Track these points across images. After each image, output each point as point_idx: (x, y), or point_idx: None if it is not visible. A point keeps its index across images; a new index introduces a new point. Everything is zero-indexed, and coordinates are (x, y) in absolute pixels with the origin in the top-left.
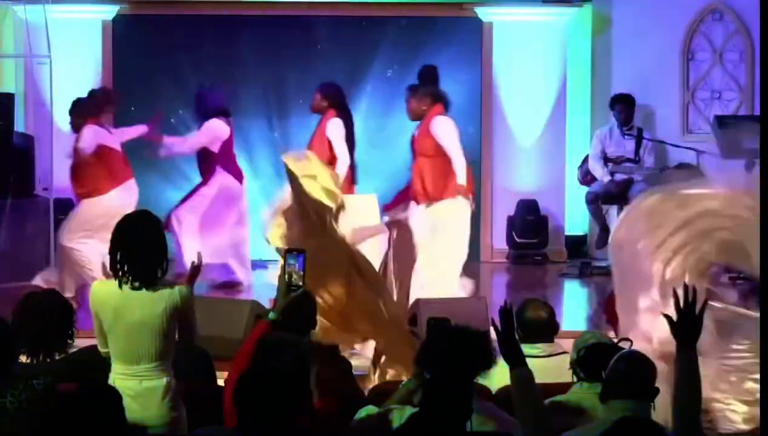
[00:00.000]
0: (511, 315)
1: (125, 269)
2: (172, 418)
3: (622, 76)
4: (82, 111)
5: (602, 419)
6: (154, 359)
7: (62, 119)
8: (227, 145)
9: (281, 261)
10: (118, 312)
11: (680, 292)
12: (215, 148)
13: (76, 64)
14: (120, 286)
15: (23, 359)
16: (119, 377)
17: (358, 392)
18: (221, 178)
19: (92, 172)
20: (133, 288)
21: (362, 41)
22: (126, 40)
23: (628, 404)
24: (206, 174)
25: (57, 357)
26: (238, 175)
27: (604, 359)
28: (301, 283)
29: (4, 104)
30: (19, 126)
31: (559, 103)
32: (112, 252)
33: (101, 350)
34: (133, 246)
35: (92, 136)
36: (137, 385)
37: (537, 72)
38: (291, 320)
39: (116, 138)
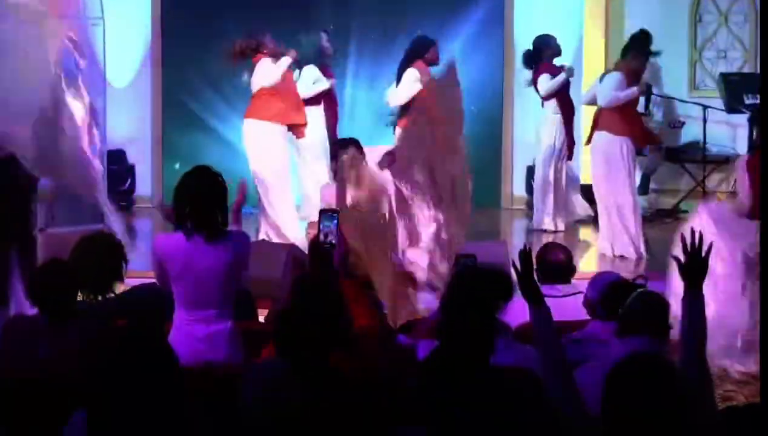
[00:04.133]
0: (530, 257)
1: (192, 220)
2: (235, 357)
3: None
4: None
5: (616, 353)
6: (219, 305)
7: (114, 77)
8: None
9: None
10: (186, 262)
11: (687, 236)
12: None
13: (127, 26)
14: (187, 237)
15: (79, 297)
16: (186, 322)
17: (388, 325)
18: None
19: None
20: (201, 239)
21: (392, 7)
22: (174, 2)
23: (644, 340)
24: None
25: (111, 295)
26: None
27: (621, 297)
28: (334, 241)
29: None
30: None
31: (575, 61)
32: (178, 205)
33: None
34: (199, 199)
35: None
36: (204, 329)
37: (555, 33)
38: (322, 269)
39: None
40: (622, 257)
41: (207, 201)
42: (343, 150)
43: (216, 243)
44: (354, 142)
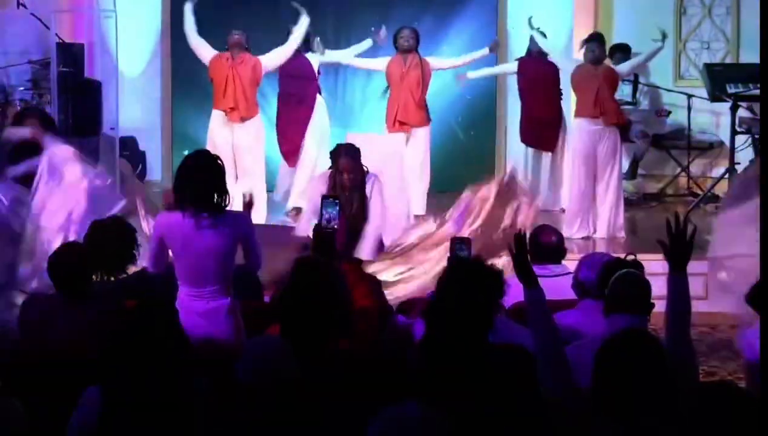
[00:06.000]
0: (524, 241)
1: (192, 201)
2: (234, 332)
3: (622, 29)
4: None
5: (604, 331)
6: (218, 281)
7: (126, 67)
8: None
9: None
10: (186, 241)
11: (672, 218)
12: None
13: (138, 18)
14: (187, 217)
15: (93, 278)
16: (187, 298)
17: (387, 306)
18: None
19: None
20: (200, 218)
21: None
22: None
23: (628, 318)
24: None
25: (123, 276)
26: None
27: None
28: (336, 226)
29: (75, 53)
30: (88, 73)
31: (566, 50)
32: (178, 186)
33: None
34: (198, 180)
35: None
36: (204, 305)
37: (547, 26)
38: (324, 253)
39: None
40: (586, 237)
41: (205, 182)
42: (342, 157)
43: (215, 223)
44: (348, 150)
